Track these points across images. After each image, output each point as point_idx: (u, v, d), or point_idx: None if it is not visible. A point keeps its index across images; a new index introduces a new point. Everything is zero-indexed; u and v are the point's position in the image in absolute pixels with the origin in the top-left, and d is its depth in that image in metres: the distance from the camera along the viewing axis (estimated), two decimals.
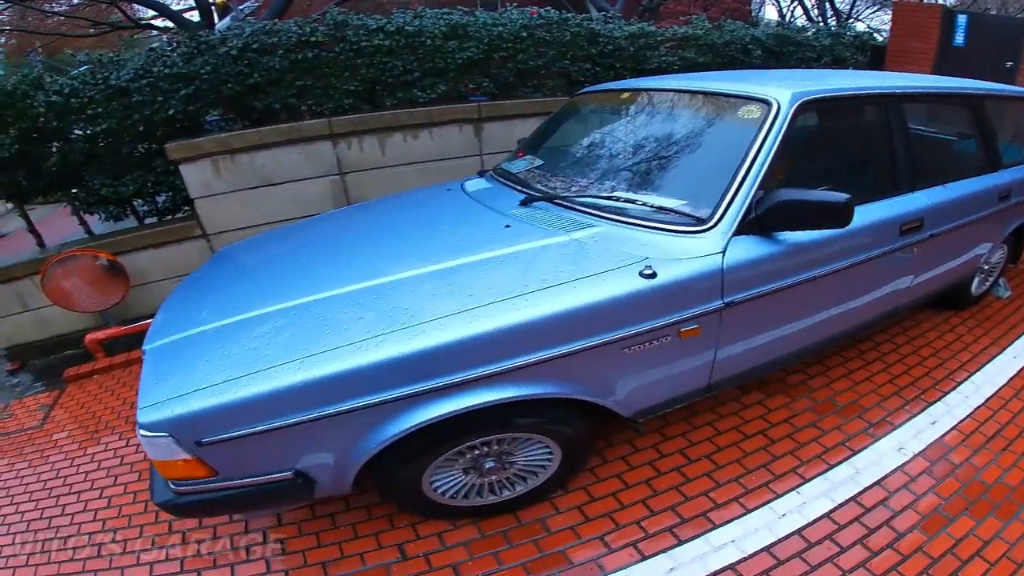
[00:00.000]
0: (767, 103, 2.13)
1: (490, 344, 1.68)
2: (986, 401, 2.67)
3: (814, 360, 2.97)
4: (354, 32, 4.16)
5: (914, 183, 2.55)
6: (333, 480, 1.78)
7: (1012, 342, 3.17)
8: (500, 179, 2.72)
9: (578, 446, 2.13)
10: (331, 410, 1.60)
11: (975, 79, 3.47)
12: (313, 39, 4.08)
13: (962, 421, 2.54)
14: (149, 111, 3.92)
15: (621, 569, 1.94)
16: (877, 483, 2.21)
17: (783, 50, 5.36)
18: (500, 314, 1.71)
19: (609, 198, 2.20)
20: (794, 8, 11.96)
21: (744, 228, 1.97)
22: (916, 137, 2.74)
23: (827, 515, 2.08)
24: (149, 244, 4.06)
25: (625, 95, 2.81)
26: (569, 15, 4.60)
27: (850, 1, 11.41)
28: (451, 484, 2.03)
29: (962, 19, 6.13)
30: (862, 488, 2.19)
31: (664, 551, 1.99)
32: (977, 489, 2.18)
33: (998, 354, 3.05)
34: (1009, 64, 5.73)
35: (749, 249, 1.98)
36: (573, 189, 2.38)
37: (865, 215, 2.23)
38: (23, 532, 2.43)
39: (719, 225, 1.95)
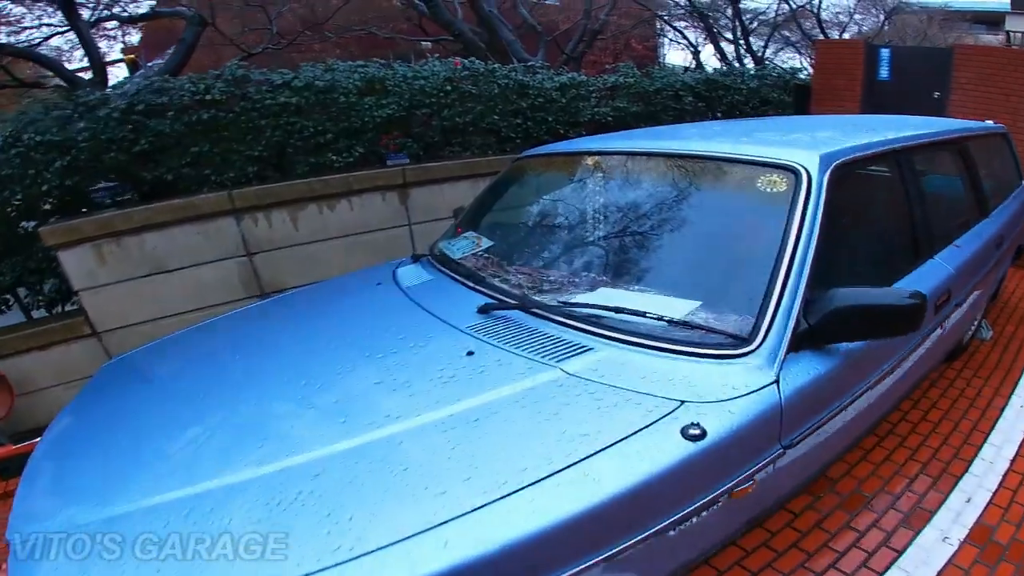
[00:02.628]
0: (794, 172, 1.63)
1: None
2: (1012, 464, 2.38)
3: None
4: (256, 89, 3.59)
5: (932, 248, 2.15)
6: None
7: (1013, 389, 2.92)
8: (441, 268, 2.12)
9: None
10: None
11: (904, 113, 3.22)
12: (209, 98, 3.49)
13: (995, 493, 2.23)
14: (21, 187, 3.29)
15: None
16: None
17: (713, 94, 5.14)
18: (487, 527, 1.05)
19: (606, 308, 1.59)
20: (698, 54, 12.25)
21: (798, 344, 1.46)
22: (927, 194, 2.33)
23: None
24: (32, 346, 3.33)
25: (591, 160, 2.21)
26: (496, 66, 4.23)
27: (762, 44, 11.77)
28: None
29: (885, 53, 5.98)
30: None
31: None
32: None
33: (1004, 406, 2.78)
34: (937, 94, 5.56)
35: (806, 371, 1.47)
36: (547, 288, 1.78)
37: (925, 281, 1.87)
38: None
39: (766, 343, 1.41)
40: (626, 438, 1.22)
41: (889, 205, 2.23)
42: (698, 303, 1.54)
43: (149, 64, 6.64)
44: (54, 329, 3.45)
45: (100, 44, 8.08)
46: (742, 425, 1.31)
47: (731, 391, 1.35)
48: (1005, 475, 2.31)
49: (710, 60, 12.12)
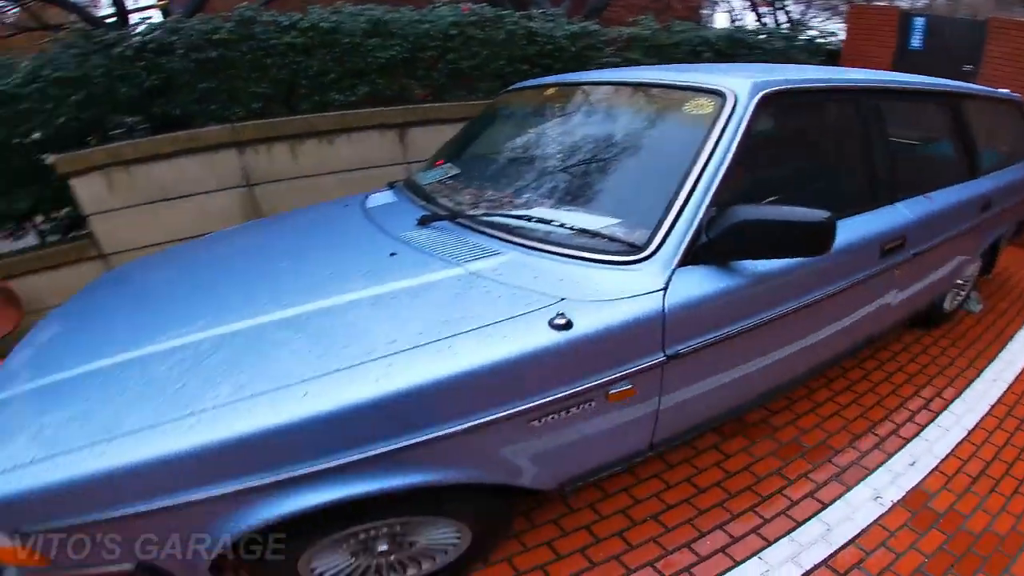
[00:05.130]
0: (722, 95, 1.69)
1: (336, 427, 1.22)
2: (968, 435, 2.35)
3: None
4: (263, 29, 3.69)
5: (894, 194, 2.16)
6: (186, 570, 1.36)
7: (989, 363, 2.88)
8: (407, 192, 2.27)
9: (491, 524, 1.68)
10: (143, 508, 1.19)
11: None
12: (217, 37, 3.61)
13: (944, 460, 2.21)
14: (40, 119, 3.47)
15: None
16: (851, 542, 1.86)
17: (734, 53, 4.99)
18: (352, 385, 1.24)
19: (520, 217, 1.73)
20: (742, 17, 11.75)
21: (692, 257, 1.52)
22: (894, 142, 2.29)
23: None
24: (43, 267, 3.57)
25: (552, 91, 2.36)
26: (505, 11, 4.21)
27: (801, 9, 11.21)
28: (337, 568, 1.57)
29: (919, 21, 5.79)
30: (834, 549, 1.83)
31: None
32: (964, 541, 1.87)
33: (975, 377, 2.75)
34: (968, 67, 5.37)
35: (699, 283, 1.52)
36: (483, 205, 1.93)
37: (842, 234, 1.76)
38: None
39: (659, 253, 1.50)
40: (497, 323, 1.36)
41: (839, 144, 2.24)
42: (610, 217, 1.63)
43: (181, 9, 6.76)
44: (64, 251, 3.67)
45: None
46: (615, 324, 1.40)
47: (614, 294, 1.44)
48: (959, 444, 2.30)
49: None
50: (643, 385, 1.51)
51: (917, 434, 2.36)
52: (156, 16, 7.98)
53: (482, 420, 1.32)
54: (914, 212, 2.18)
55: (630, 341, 1.44)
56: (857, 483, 2.11)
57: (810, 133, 2.28)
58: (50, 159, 3.43)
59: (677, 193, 1.54)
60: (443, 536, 1.62)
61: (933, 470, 2.17)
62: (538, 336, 1.34)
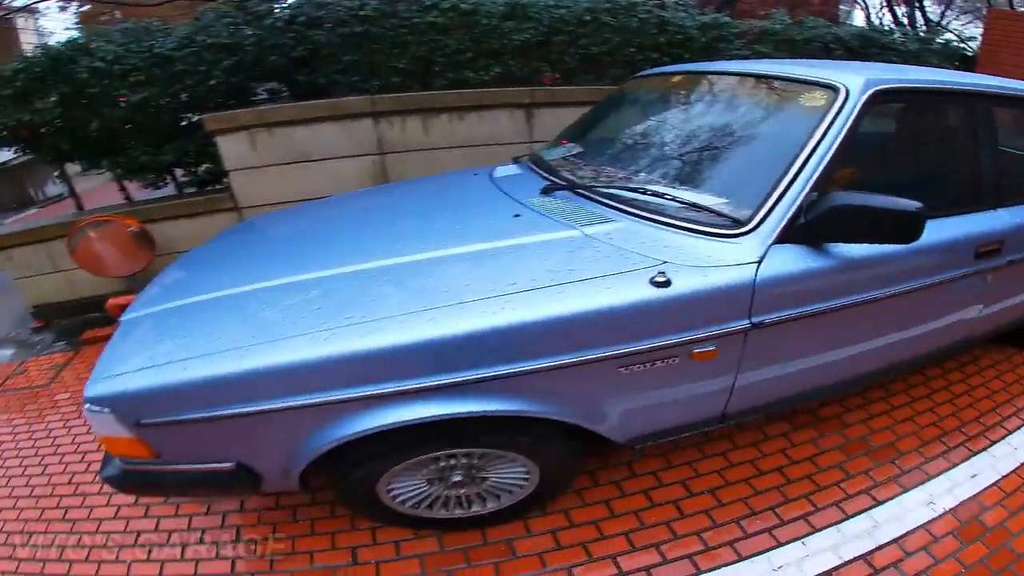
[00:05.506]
0: (834, 89, 1.77)
1: (453, 350, 1.41)
2: None
3: (855, 392, 2.56)
4: (406, 8, 3.90)
5: (998, 200, 2.14)
6: (278, 477, 1.59)
7: None
8: (532, 166, 2.41)
9: (560, 469, 1.83)
10: (268, 406, 1.41)
11: None
12: (363, 13, 3.85)
13: (1005, 477, 2.15)
14: (192, 81, 3.78)
15: None
16: (894, 541, 1.87)
17: (867, 52, 4.83)
18: (471, 316, 1.43)
19: (635, 190, 1.87)
20: (883, 16, 11.36)
21: (789, 235, 1.61)
22: (1005, 150, 2.30)
23: (828, 573, 1.76)
24: (181, 214, 3.92)
25: (678, 78, 2.47)
26: (637, 0, 4.23)
27: (940, 10, 10.75)
28: (412, 493, 1.77)
29: None
30: (876, 545, 1.85)
31: None
32: (1005, 558, 1.82)
33: None
34: None
35: (792, 261, 1.62)
36: (602, 180, 2.06)
37: (938, 231, 1.87)
38: (11, 491, 2.40)
39: (759, 229, 1.60)
40: (604, 276, 1.52)
41: (944, 144, 2.27)
42: (717, 194, 1.75)
43: None
44: (201, 202, 3.99)
45: None
46: (708, 287, 1.52)
47: (712, 261, 1.56)
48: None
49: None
50: (725, 349, 1.61)
51: (985, 449, 2.28)
52: None
53: (578, 359, 1.47)
54: (1015, 220, 2.16)
55: (720, 305, 1.55)
56: (914, 487, 2.09)
57: (917, 131, 2.33)
58: (201, 118, 3.70)
59: (782, 177, 1.64)
60: (513, 475, 1.79)
61: (992, 485, 2.11)
62: (639, 291, 1.48)
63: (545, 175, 2.22)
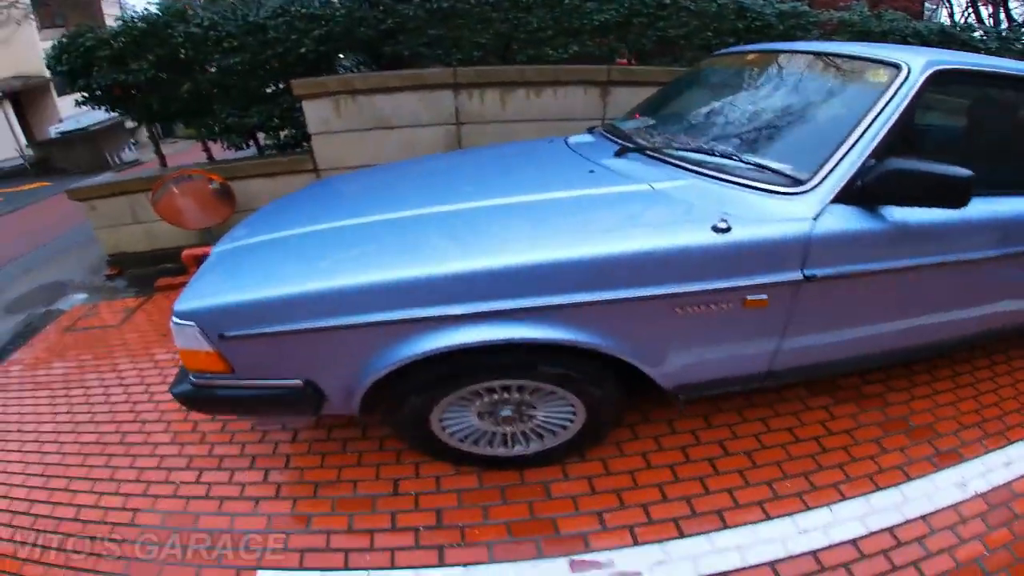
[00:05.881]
0: (897, 67, 1.86)
1: (526, 277, 1.54)
2: None
3: (900, 372, 2.58)
4: None
5: None
6: (342, 397, 1.72)
7: None
8: (605, 134, 2.53)
9: (605, 410, 1.92)
10: (345, 321, 1.54)
11: None
12: None
13: None
14: (282, 48, 3.96)
15: (607, 550, 1.77)
16: (922, 517, 1.89)
17: (946, 48, 4.70)
18: (546, 250, 1.56)
19: (703, 151, 1.97)
20: (968, 15, 11.13)
21: (846, 197, 1.70)
22: None
23: (853, 541, 1.80)
24: (261, 173, 4.12)
25: (752, 56, 2.58)
26: None
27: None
28: (462, 426, 1.92)
29: None
30: (904, 520, 1.87)
31: (660, 541, 1.79)
32: None
33: None
34: None
35: (847, 220, 1.70)
36: (675, 145, 2.16)
37: (995, 207, 1.96)
38: (66, 416, 2.60)
39: (817, 189, 1.69)
40: (671, 223, 1.64)
41: (1007, 126, 2.32)
42: (782, 156, 1.83)
43: None
44: (283, 162, 4.18)
45: None
46: (766, 238, 1.61)
47: (771, 216, 1.65)
48: None
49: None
50: (776, 299, 1.69)
51: (1023, 439, 2.25)
52: None
53: (639, 294, 1.58)
54: None
55: (774, 255, 1.64)
56: (948, 467, 2.10)
57: (979, 112, 2.37)
58: (291, 83, 3.86)
59: (842, 143, 1.72)
60: (560, 415, 1.91)
61: None
62: (701, 236, 1.59)
63: (618, 141, 2.32)
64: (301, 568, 1.74)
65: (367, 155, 3.95)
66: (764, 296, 1.66)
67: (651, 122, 2.47)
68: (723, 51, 2.90)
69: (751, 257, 1.62)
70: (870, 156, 1.69)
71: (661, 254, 1.56)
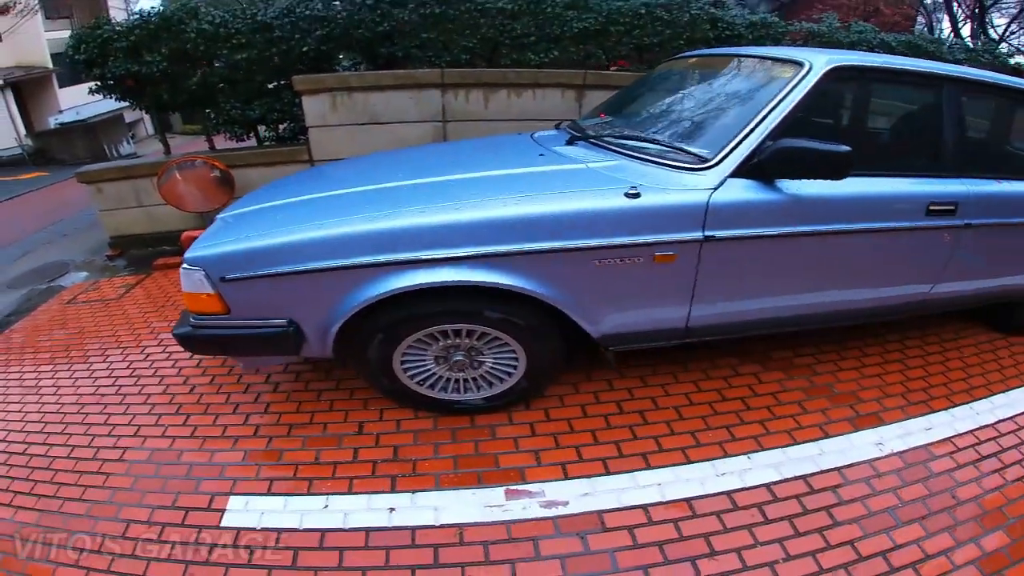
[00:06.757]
0: (800, 64, 2.13)
1: (468, 231, 1.84)
2: (997, 422, 2.37)
3: (832, 347, 2.80)
4: None
5: (960, 169, 2.40)
6: (318, 336, 1.99)
7: None
8: (567, 129, 2.81)
9: (543, 357, 2.17)
10: (320, 265, 1.84)
11: None
12: None
13: (960, 435, 2.28)
14: (287, 46, 4.28)
15: (539, 482, 1.97)
16: (836, 469, 2.05)
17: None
18: (488, 209, 1.86)
19: (634, 138, 2.27)
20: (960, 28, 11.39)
21: (745, 172, 1.97)
22: (983, 131, 2.69)
23: (767, 485, 1.96)
24: (260, 162, 4.40)
25: (692, 60, 2.91)
26: None
27: (1006, 23, 10.78)
28: (421, 370, 2.17)
29: None
30: (818, 470, 2.04)
31: (588, 476, 1.99)
32: (944, 502, 1.95)
33: None
34: None
35: (745, 190, 1.98)
36: (614, 133, 2.46)
37: (884, 185, 2.23)
38: (72, 374, 2.85)
39: (719, 165, 1.97)
40: (594, 190, 1.95)
41: (907, 119, 2.63)
42: (695, 139, 2.13)
43: None
44: (281, 152, 4.48)
45: None
46: (670, 203, 1.91)
47: (678, 186, 1.95)
48: (983, 427, 2.33)
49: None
50: (684, 256, 1.97)
51: (946, 409, 2.42)
52: None
53: (563, 245, 1.87)
54: (974, 187, 2.39)
55: (678, 217, 1.92)
56: (866, 428, 2.26)
57: (881, 106, 2.69)
58: (292, 79, 4.18)
59: (743, 127, 2.01)
60: (505, 361, 2.17)
61: (945, 440, 2.24)
62: (616, 200, 1.89)
63: (575, 133, 2.60)
64: (269, 494, 1.95)
65: (359, 148, 4.15)
66: (672, 252, 1.94)
67: (609, 119, 2.75)
68: (673, 57, 3.22)
69: (657, 218, 1.90)
70: (767, 138, 1.95)
71: (581, 213, 1.86)
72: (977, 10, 10.37)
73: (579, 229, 1.86)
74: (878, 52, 4.89)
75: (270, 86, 4.54)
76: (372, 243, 1.82)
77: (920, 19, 12.37)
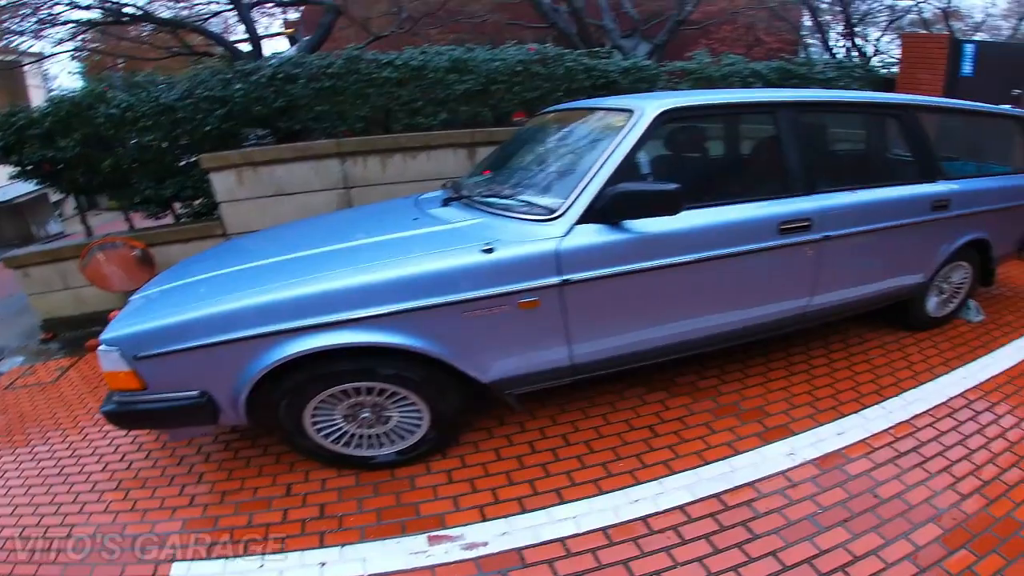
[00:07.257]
0: (631, 112, 2.34)
1: (341, 297, 2.00)
2: (912, 418, 2.51)
3: (736, 367, 2.95)
4: (366, 65, 4.65)
5: (811, 186, 2.56)
6: (231, 405, 2.11)
7: (965, 364, 2.97)
8: (450, 190, 2.98)
9: (445, 406, 2.29)
10: (218, 339, 1.98)
11: None
12: (331, 71, 4.60)
13: (875, 435, 2.40)
14: (191, 126, 4.52)
15: (459, 526, 2.06)
16: (749, 484, 2.15)
17: (786, 84, 5.42)
18: (357, 276, 2.04)
19: (495, 195, 2.50)
20: (843, 49, 12.01)
21: (591, 217, 2.16)
22: (831, 145, 2.88)
23: (681, 507, 2.05)
24: (177, 239, 4.58)
25: (550, 115, 3.16)
26: (566, 51, 4.93)
27: (879, 34, 11.48)
28: (333, 429, 2.29)
29: (969, 48, 5.86)
30: (731, 487, 2.14)
31: (505, 516, 2.09)
32: (866, 503, 2.04)
33: (943, 374, 2.88)
34: (1017, 92, 5.55)
35: (590, 235, 2.17)
36: (480, 192, 2.68)
37: (729, 213, 2.40)
38: (16, 458, 2.89)
39: (566, 215, 2.16)
40: (454, 249, 2.14)
41: (740, 146, 2.88)
42: (545, 192, 2.36)
43: (304, 38, 8.09)
44: (195, 228, 4.68)
45: (262, 20, 9.87)
46: (522, 255, 2.11)
47: (530, 237, 2.15)
48: (897, 424, 2.46)
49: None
50: (546, 300, 2.14)
51: (857, 411, 2.55)
52: (285, 42, 9.31)
53: (430, 302, 2.04)
54: (825, 202, 2.57)
55: (532, 266, 2.11)
56: (777, 440, 2.38)
57: (718, 139, 2.95)
58: (198, 157, 4.45)
59: (584, 176, 2.23)
60: (409, 414, 2.29)
61: (860, 441, 2.36)
62: (473, 257, 2.08)
63: (450, 195, 2.79)
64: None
65: (270, 219, 4.36)
66: (534, 298, 2.12)
67: (487, 177, 2.95)
68: (540, 111, 3.47)
69: (512, 269, 2.08)
70: (606, 184, 2.15)
71: (441, 271, 2.04)
72: (847, 29, 10.90)
73: (442, 286, 2.03)
74: (751, 81, 5.29)
75: (180, 164, 4.76)
76: (257, 315, 1.97)
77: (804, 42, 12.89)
